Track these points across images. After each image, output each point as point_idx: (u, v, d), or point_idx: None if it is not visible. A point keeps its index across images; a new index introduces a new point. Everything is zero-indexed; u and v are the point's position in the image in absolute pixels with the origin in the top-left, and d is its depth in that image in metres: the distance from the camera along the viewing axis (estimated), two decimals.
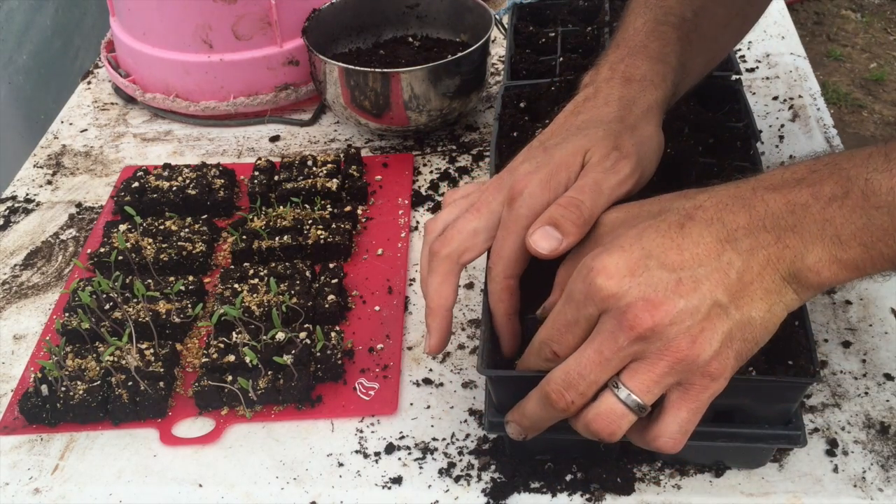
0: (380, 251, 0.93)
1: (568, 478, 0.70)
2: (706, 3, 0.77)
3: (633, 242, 0.57)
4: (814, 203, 0.55)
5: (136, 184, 0.99)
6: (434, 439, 0.74)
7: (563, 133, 0.68)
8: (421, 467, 0.72)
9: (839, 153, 0.58)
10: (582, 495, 0.69)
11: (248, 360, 0.77)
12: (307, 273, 0.87)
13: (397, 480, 0.71)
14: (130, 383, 0.77)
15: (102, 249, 0.91)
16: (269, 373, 0.77)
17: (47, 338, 0.86)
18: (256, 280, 0.86)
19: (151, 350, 0.80)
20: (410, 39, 1.18)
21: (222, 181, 1.00)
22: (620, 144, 0.66)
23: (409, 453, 0.73)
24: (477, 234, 0.66)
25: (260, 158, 1.03)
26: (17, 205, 1.04)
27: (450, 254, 0.66)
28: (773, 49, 1.21)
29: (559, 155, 0.66)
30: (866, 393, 0.76)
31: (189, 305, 0.84)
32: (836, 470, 0.70)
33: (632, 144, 0.66)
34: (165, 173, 1.01)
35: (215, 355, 0.79)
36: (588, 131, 0.67)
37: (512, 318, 0.66)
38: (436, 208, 0.99)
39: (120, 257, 0.89)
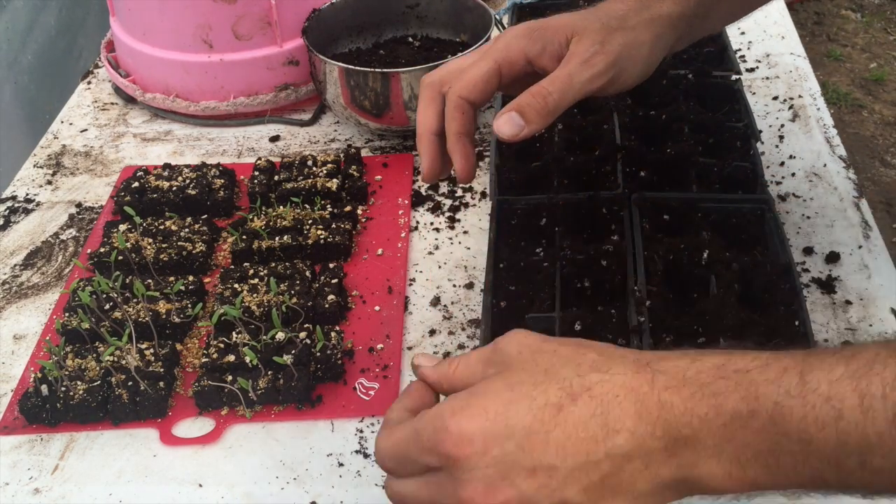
0: (380, 251, 0.93)
1: None
2: None
3: (500, 412, 0.51)
4: (714, 417, 0.48)
5: (136, 184, 0.99)
6: None
7: (570, 12, 0.71)
8: None
9: (754, 360, 0.49)
10: None
11: (248, 360, 0.77)
12: (307, 273, 0.87)
13: None
14: (130, 383, 0.77)
15: (102, 249, 0.91)
16: (269, 373, 0.77)
17: (47, 338, 0.85)
18: (256, 280, 0.86)
19: (151, 350, 0.80)
20: (410, 39, 1.18)
21: (222, 181, 1.00)
22: (607, 40, 0.67)
23: None
24: (463, 69, 0.70)
25: (260, 158, 1.03)
26: (17, 205, 1.04)
27: (432, 82, 0.71)
28: (773, 49, 1.21)
29: (551, 23, 0.70)
30: None
31: (189, 305, 0.84)
32: None
33: (618, 45, 0.68)
34: (165, 173, 1.01)
35: (215, 355, 0.79)
36: (588, 16, 0.70)
37: (461, 137, 0.69)
38: (436, 208, 0.99)
39: (120, 257, 0.88)
